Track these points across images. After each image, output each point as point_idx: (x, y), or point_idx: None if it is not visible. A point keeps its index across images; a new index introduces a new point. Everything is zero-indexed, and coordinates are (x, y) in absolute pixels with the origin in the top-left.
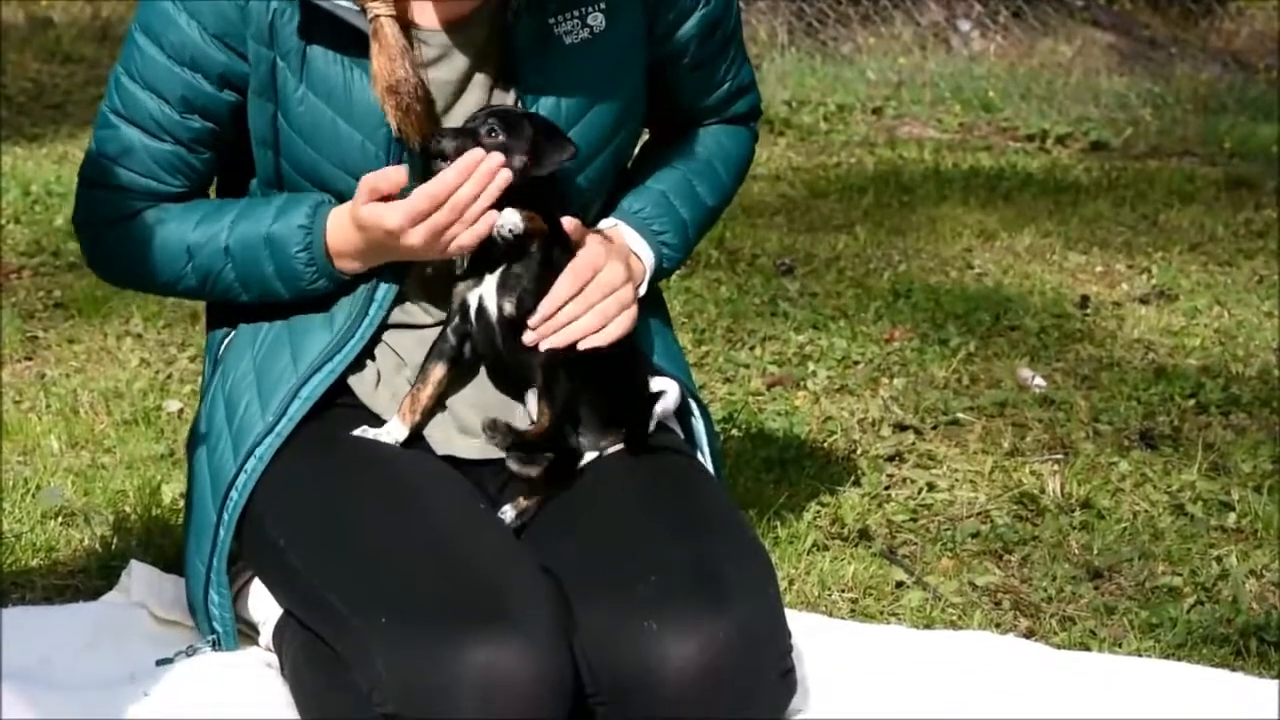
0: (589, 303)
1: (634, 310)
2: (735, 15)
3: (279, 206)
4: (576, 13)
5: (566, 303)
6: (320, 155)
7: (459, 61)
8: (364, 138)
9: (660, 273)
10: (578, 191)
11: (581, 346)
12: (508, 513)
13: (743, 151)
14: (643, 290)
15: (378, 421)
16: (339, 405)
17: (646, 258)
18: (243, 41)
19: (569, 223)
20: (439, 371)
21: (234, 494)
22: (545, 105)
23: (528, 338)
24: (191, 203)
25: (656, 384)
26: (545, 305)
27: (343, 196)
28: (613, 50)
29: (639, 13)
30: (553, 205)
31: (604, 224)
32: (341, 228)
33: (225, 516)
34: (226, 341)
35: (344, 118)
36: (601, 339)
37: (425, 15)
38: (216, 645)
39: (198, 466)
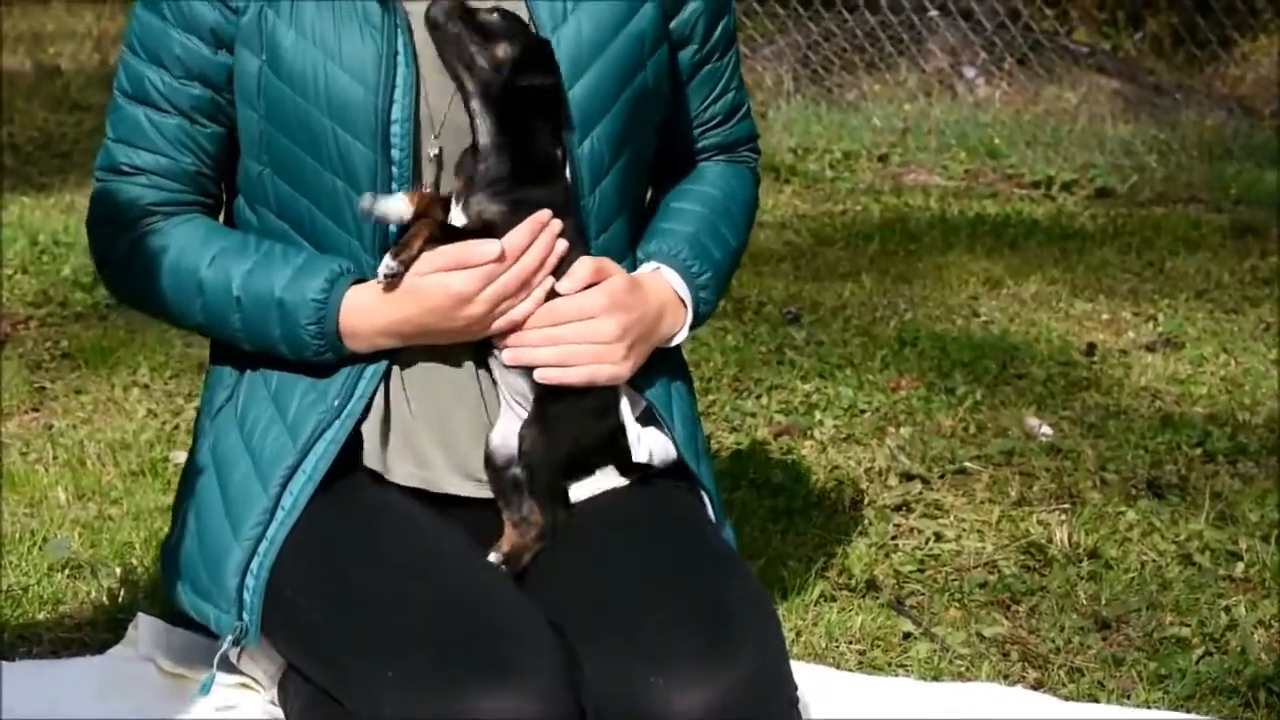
0: (555, 338)
1: (614, 369)
2: (733, 14)
3: (297, 268)
4: None
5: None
6: (310, 104)
7: None
8: (358, 83)
9: (698, 320)
10: (594, 159)
11: (538, 377)
12: (493, 556)
13: (751, 194)
14: (680, 338)
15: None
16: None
17: (690, 302)
18: None
19: (587, 264)
20: (534, 512)
21: (300, 476)
22: (565, 34)
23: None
24: (211, 228)
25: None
26: (514, 313)
27: (330, 154)
28: None
29: None
30: (535, 133)
31: (645, 267)
32: (362, 308)
33: (287, 499)
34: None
35: (336, 62)
36: (557, 376)
37: None
38: (241, 637)
39: (221, 443)
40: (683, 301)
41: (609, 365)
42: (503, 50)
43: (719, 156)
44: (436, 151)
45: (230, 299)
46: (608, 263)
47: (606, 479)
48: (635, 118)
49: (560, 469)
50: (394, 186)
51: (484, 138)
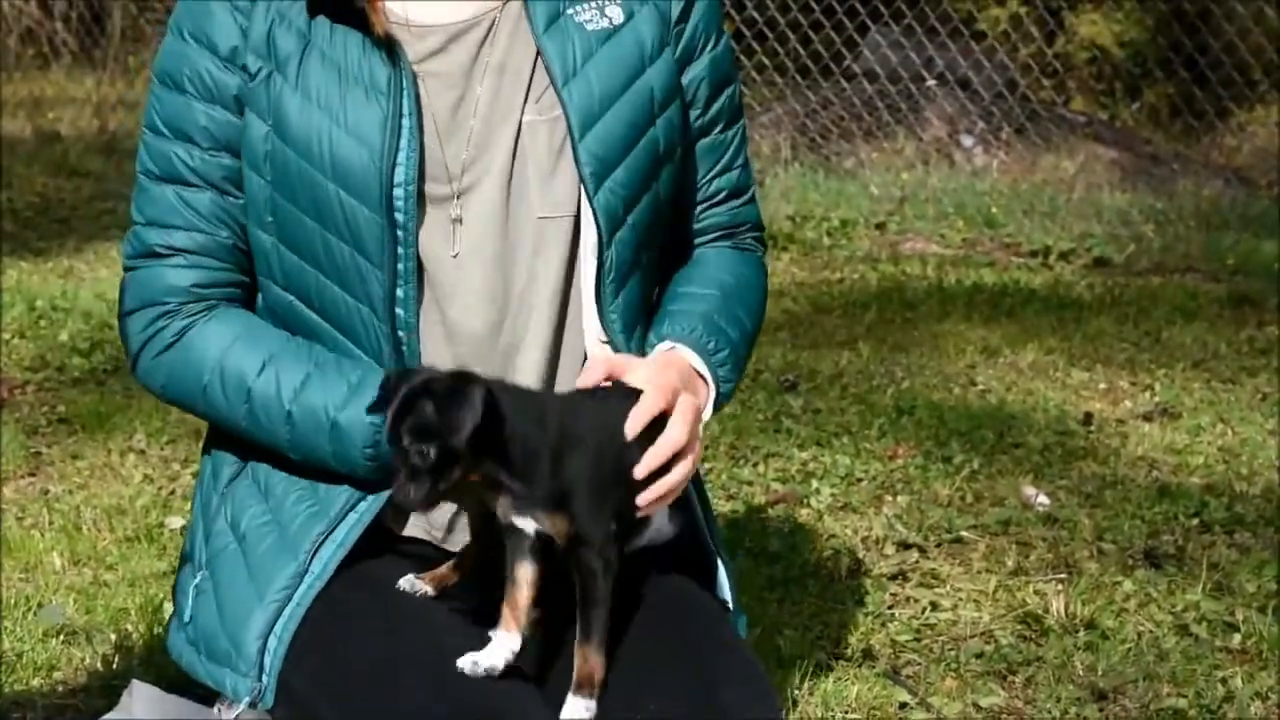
0: (671, 485)
1: (693, 456)
2: (738, 89)
3: (352, 385)
4: (594, 3)
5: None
6: (315, 169)
7: (461, 54)
8: (363, 147)
9: (719, 399)
10: (624, 243)
11: (657, 509)
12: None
13: (761, 282)
14: (708, 414)
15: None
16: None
17: (710, 379)
18: (246, 56)
19: (599, 365)
20: (528, 571)
21: (331, 544)
22: (577, 87)
23: (646, 498)
24: (257, 327)
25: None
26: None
27: (336, 219)
28: (635, 48)
29: (656, 23)
30: (514, 428)
31: (660, 347)
32: None
33: (316, 565)
34: None
35: (341, 127)
36: (669, 498)
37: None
38: (258, 699)
39: (243, 514)
40: (703, 377)
41: (690, 458)
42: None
43: (722, 242)
44: (458, 214)
45: (281, 413)
46: (614, 357)
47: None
48: (648, 171)
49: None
50: (400, 250)
51: (501, 475)
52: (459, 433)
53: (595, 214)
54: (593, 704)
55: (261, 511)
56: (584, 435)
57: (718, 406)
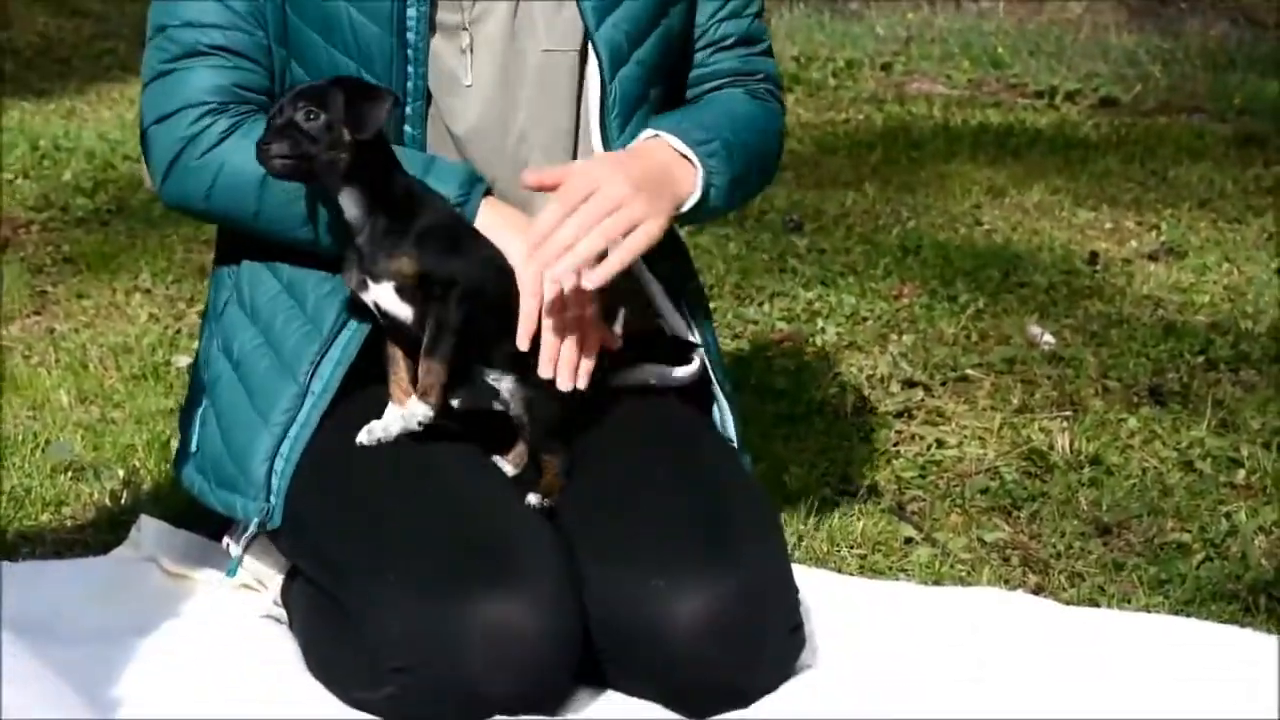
0: (585, 223)
1: (652, 223)
2: None
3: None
4: None
5: (557, 227)
6: (332, 45)
7: None
8: (377, 27)
9: (708, 193)
10: (630, 80)
11: (591, 279)
12: (506, 466)
13: (770, 124)
14: (691, 202)
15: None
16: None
17: (696, 161)
18: None
19: (537, 174)
20: (399, 351)
21: (328, 362)
22: None
23: (530, 270)
24: None
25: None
26: (532, 233)
27: (345, 38)
28: None
29: None
30: (391, 167)
31: (641, 135)
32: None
33: (317, 384)
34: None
35: (356, 8)
36: (608, 267)
37: None
38: (267, 520)
39: (234, 340)
40: (687, 159)
41: (645, 221)
42: (324, 121)
43: (733, 87)
44: (467, 43)
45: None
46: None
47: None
48: (656, 6)
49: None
50: (410, 70)
51: (352, 210)
52: (362, 125)
53: (597, 49)
54: (430, 412)
55: (252, 335)
56: (447, 212)
57: (710, 196)
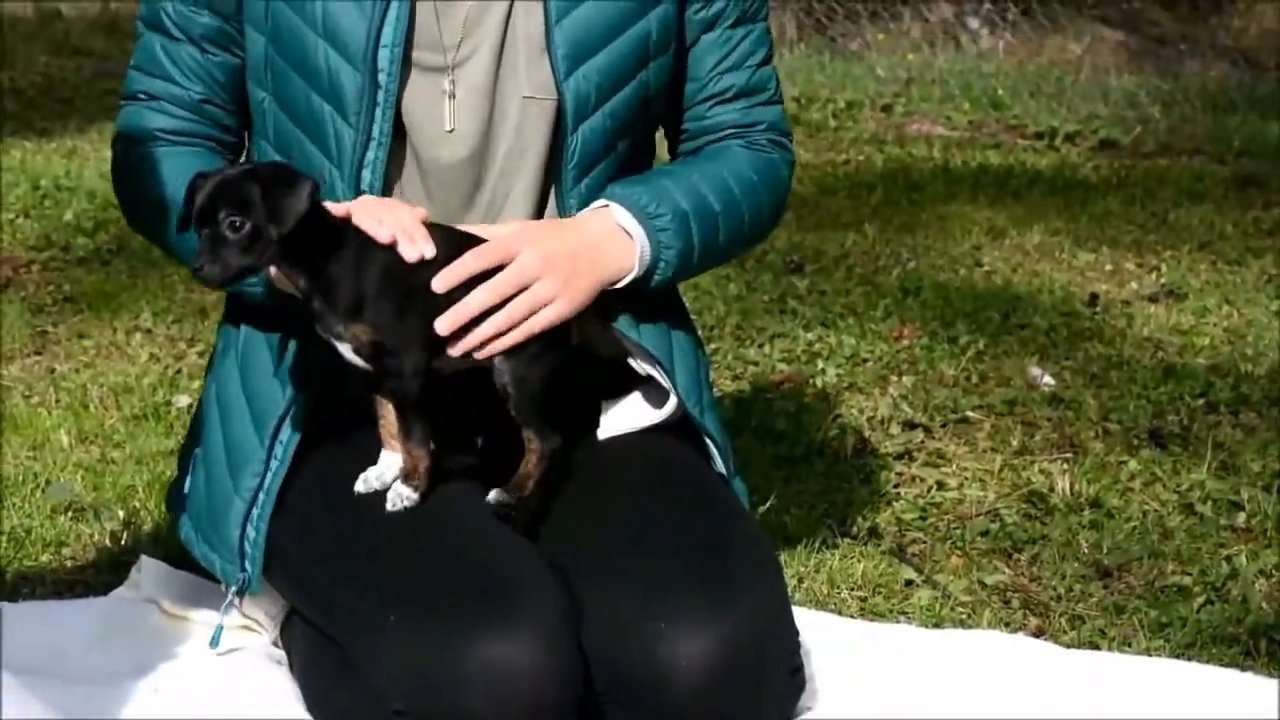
0: (494, 291)
1: (556, 308)
2: None
3: None
4: None
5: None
6: (306, 24)
7: None
8: (351, 2)
9: (656, 267)
10: (594, 132)
11: (486, 354)
12: (493, 496)
13: (761, 175)
14: (625, 279)
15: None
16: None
17: (639, 236)
18: None
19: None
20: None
21: (286, 429)
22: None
23: (440, 327)
24: (207, 158)
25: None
26: (446, 275)
27: (320, 78)
28: None
29: None
30: (326, 233)
31: (592, 205)
32: None
33: (278, 448)
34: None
35: (331, 45)
36: (503, 344)
37: None
38: (243, 590)
39: (224, 391)
40: (628, 233)
41: (555, 300)
42: (274, 232)
43: (733, 140)
44: (450, 89)
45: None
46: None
47: (625, 418)
48: (632, 61)
49: (541, 395)
50: (378, 113)
51: (299, 281)
52: (283, 219)
53: (562, 98)
54: (415, 495)
55: (237, 389)
56: (391, 261)
57: (658, 270)
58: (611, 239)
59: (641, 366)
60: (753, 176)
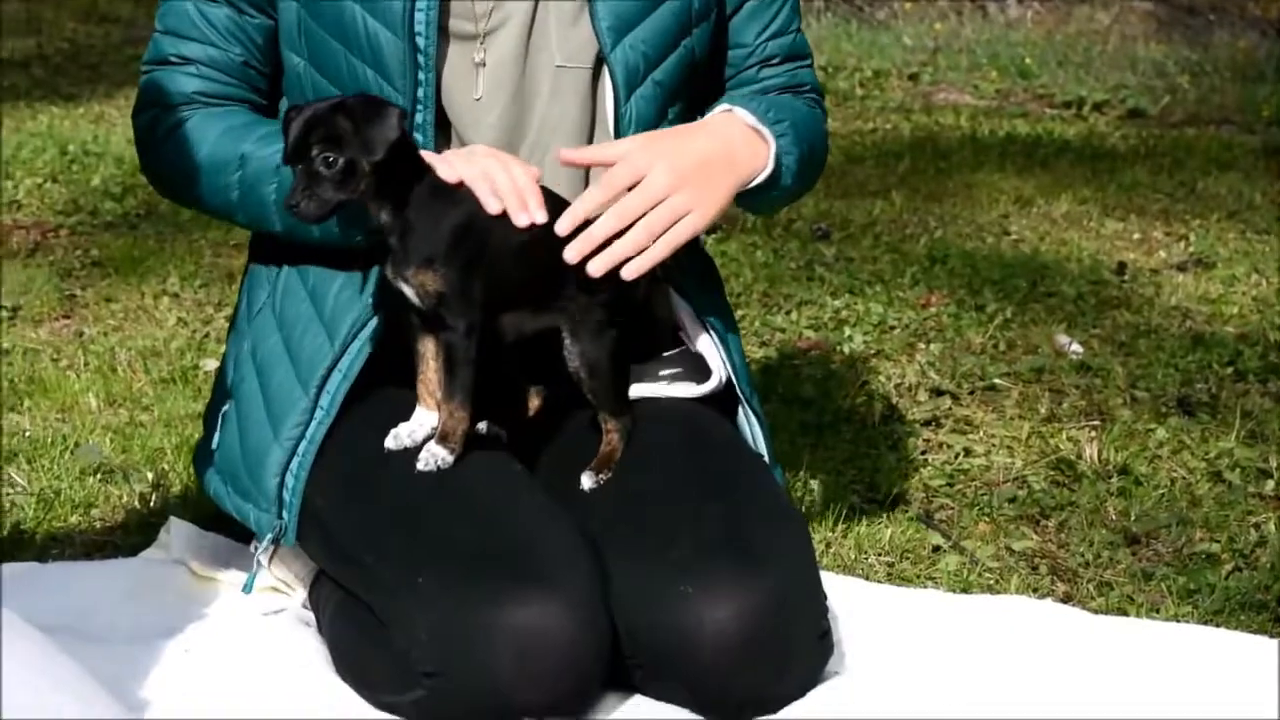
0: (624, 215)
1: (695, 220)
2: None
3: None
4: None
5: (596, 215)
6: (349, 50)
7: None
8: (390, 32)
9: (780, 172)
10: (645, 100)
11: (630, 271)
12: (586, 481)
13: (822, 125)
14: (761, 177)
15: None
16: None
17: (769, 135)
18: None
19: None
20: (429, 344)
21: (336, 375)
22: None
23: (569, 255)
24: (253, 116)
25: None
26: (569, 215)
27: (359, 42)
28: None
29: None
30: (415, 168)
31: (715, 109)
32: None
33: (325, 399)
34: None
35: (369, 13)
36: (647, 260)
37: None
38: (280, 537)
39: (261, 345)
40: (759, 134)
41: (691, 213)
42: (342, 164)
43: (786, 96)
44: (481, 57)
45: (271, 169)
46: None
47: (661, 385)
48: (676, 28)
49: (613, 373)
50: (420, 76)
51: (382, 217)
52: (374, 148)
53: (612, 69)
54: (449, 457)
55: (277, 342)
56: (473, 214)
57: (783, 175)
58: (744, 140)
59: (695, 342)
60: (815, 124)
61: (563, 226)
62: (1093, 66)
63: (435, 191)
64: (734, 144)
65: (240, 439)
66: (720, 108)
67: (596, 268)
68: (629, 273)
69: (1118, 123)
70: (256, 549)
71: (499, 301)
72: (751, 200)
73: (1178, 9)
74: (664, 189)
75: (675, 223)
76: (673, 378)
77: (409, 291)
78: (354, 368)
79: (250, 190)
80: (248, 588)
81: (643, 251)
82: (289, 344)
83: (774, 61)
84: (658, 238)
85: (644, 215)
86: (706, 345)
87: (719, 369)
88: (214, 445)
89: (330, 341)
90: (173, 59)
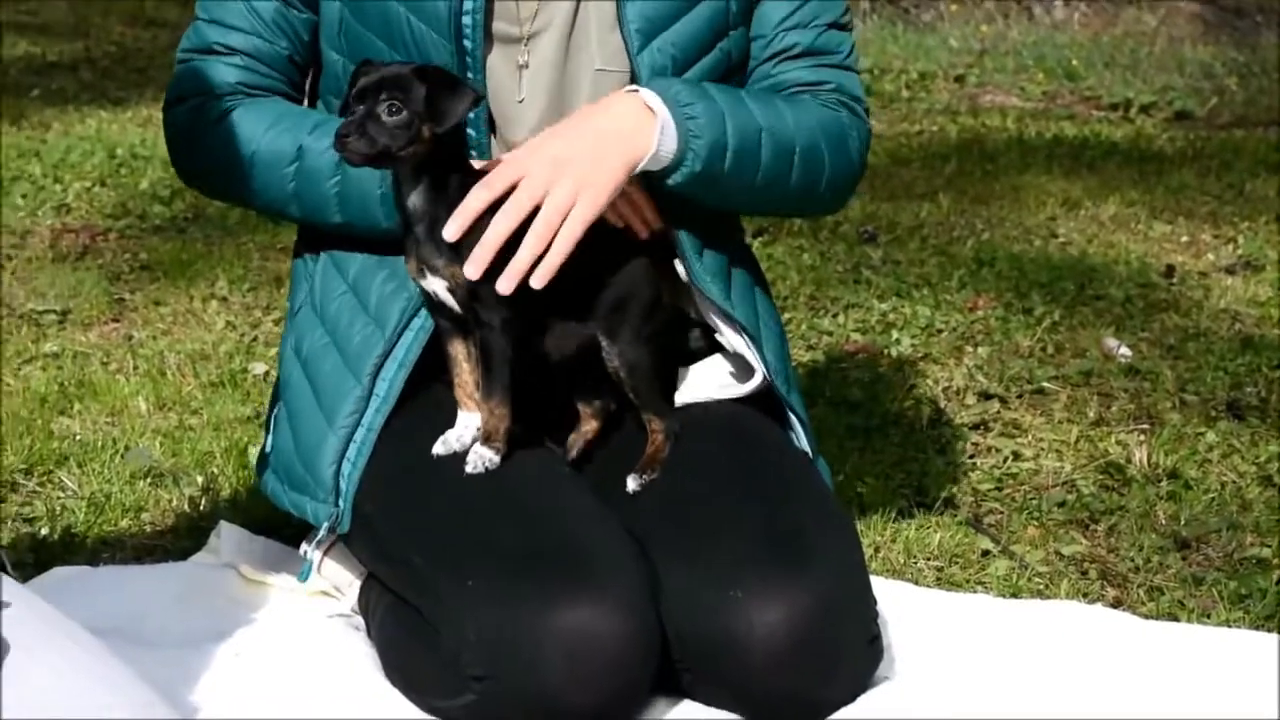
0: (511, 215)
1: (584, 207)
2: None
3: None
4: None
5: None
6: (394, 51)
7: None
8: (437, 34)
9: (684, 158)
10: (654, 69)
11: (535, 282)
12: (631, 484)
13: (821, 122)
14: (645, 163)
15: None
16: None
17: (661, 114)
18: None
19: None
20: (460, 347)
21: (392, 363)
22: None
23: (469, 272)
24: (300, 108)
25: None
26: (455, 220)
27: (405, 42)
28: None
29: None
30: (461, 160)
31: (622, 90)
32: None
33: (381, 386)
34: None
35: (415, 14)
36: (550, 263)
37: None
38: (336, 524)
39: (304, 341)
40: (651, 110)
41: (579, 198)
42: (427, 130)
43: (804, 94)
44: (525, 60)
45: (332, 163)
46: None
47: (707, 388)
48: (709, 33)
49: (653, 373)
50: (469, 77)
51: (415, 199)
52: (442, 119)
53: (638, 71)
54: (496, 457)
55: (320, 335)
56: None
57: (685, 161)
58: (634, 117)
59: (729, 342)
60: (814, 122)
61: (450, 232)
62: (1139, 68)
63: (469, 185)
64: (622, 121)
65: (293, 434)
66: (628, 87)
67: (505, 286)
68: (537, 281)
69: (1165, 124)
70: (308, 549)
71: (532, 301)
72: (667, 179)
73: (1225, 10)
74: (544, 180)
75: (566, 215)
76: (719, 385)
77: (437, 286)
78: (409, 357)
79: (309, 183)
80: (303, 576)
81: (546, 253)
82: (335, 336)
83: (793, 54)
84: (550, 238)
85: (536, 214)
86: (742, 347)
87: (760, 368)
88: (268, 449)
89: (380, 330)
90: (217, 48)
